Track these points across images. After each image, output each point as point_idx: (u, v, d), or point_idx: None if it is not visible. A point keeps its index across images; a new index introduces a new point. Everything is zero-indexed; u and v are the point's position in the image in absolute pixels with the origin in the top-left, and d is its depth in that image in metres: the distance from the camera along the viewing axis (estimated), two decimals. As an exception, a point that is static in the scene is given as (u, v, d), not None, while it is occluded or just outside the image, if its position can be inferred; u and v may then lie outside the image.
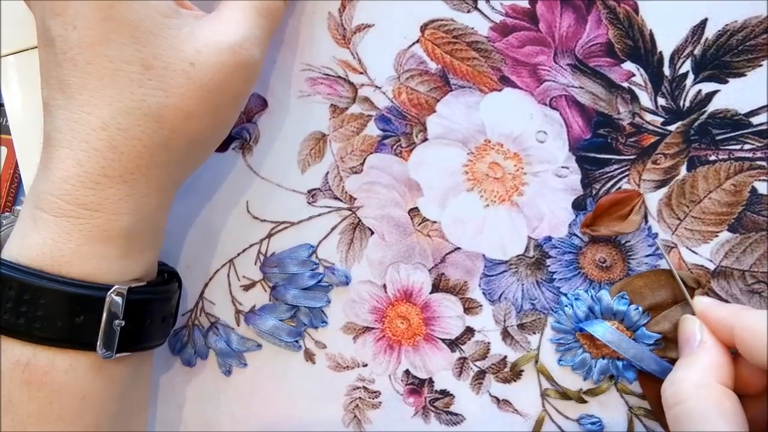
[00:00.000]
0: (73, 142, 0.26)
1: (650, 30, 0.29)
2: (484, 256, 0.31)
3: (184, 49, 0.26)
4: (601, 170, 0.30)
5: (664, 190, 0.30)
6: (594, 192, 0.30)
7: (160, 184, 0.27)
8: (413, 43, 0.31)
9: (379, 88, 0.31)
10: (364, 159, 0.32)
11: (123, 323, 0.27)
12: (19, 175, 0.40)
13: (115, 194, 0.26)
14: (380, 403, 0.32)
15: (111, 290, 0.26)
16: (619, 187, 0.30)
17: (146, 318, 0.28)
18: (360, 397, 0.32)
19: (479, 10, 0.30)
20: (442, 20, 0.31)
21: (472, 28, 0.30)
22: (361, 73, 0.31)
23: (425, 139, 0.31)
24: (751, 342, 0.25)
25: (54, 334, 0.26)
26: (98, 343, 0.26)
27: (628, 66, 0.29)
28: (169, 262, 0.33)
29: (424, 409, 0.32)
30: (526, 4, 0.30)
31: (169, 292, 0.30)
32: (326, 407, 0.33)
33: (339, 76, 0.32)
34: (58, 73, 0.26)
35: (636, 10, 0.29)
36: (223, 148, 0.33)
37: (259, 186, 0.33)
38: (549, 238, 0.31)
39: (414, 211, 0.32)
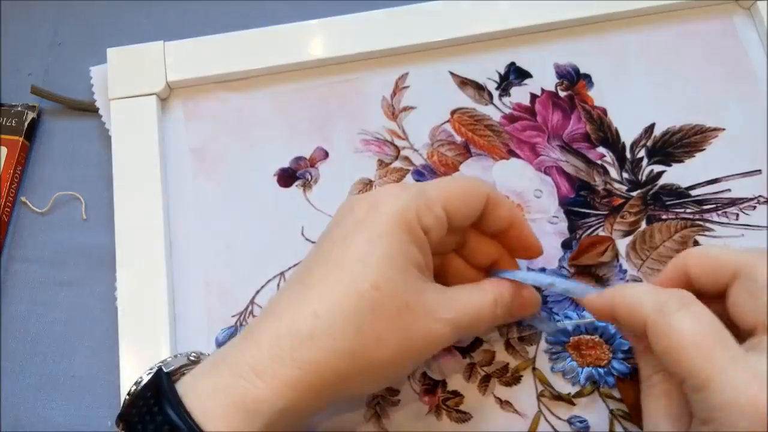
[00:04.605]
0: (284, 320, 0.29)
1: (615, 127, 0.41)
2: (492, 280, 0.39)
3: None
4: (583, 220, 0.40)
5: (630, 238, 0.39)
6: (578, 236, 0.39)
7: (321, 396, 0.29)
8: (444, 122, 0.42)
9: (417, 150, 0.42)
10: (401, 201, 0.41)
11: None
12: (20, 174, 0.43)
13: (288, 375, 0.28)
14: (399, 401, 0.37)
15: None
16: (597, 234, 0.39)
17: None
18: (382, 395, 0.37)
19: (494, 104, 0.42)
20: (467, 108, 0.42)
21: (489, 116, 0.42)
22: (403, 139, 0.42)
23: (450, 189, 0.41)
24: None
25: None
26: None
27: (601, 149, 0.41)
28: (231, 269, 0.39)
29: (437, 408, 0.37)
30: (527, 103, 0.42)
31: None
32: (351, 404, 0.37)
33: (387, 140, 0.42)
34: (313, 269, 0.30)
35: (605, 113, 0.41)
36: (287, 184, 0.41)
37: (314, 215, 0.41)
38: (543, 269, 0.39)
39: (438, 242, 0.40)
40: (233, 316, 0.39)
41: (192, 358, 0.33)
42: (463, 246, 0.35)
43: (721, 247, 0.30)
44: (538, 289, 0.37)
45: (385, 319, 0.29)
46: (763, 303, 0.27)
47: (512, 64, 0.43)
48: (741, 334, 0.28)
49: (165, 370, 0.31)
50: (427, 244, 0.31)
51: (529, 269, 0.39)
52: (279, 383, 0.28)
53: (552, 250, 0.39)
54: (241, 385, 0.28)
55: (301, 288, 0.30)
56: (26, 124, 0.44)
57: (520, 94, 0.42)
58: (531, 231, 0.34)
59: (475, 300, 0.32)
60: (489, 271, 0.36)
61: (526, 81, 0.42)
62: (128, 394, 0.31)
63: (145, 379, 0.31)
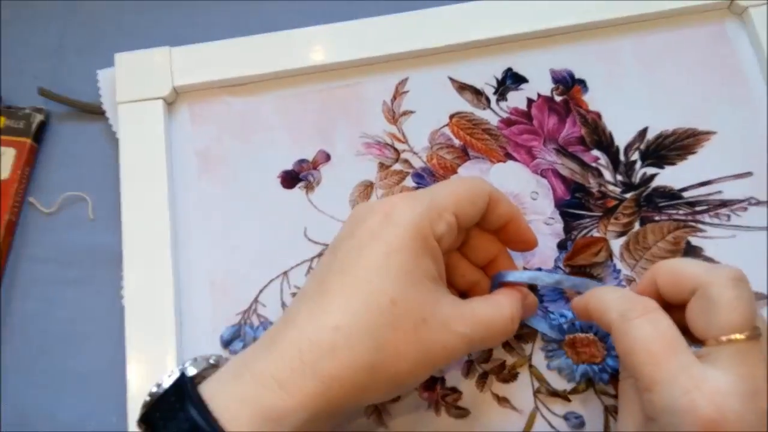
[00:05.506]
0: (305, 331, 0.30)
1: (609, 131, 0.42)
2: (489, 280, 0.40)
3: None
4: (578, 222, 0.41)
5: (623, 238, 0.40)
6: (573, 237, 0.40)
7: (341, 406, 0.29)
8: (443, 126, 0.43)
9: (416, 153, 0.43)
10: (401, 202, 0.42)
11: None
12: (28, 175, 0.44)
13: (311, 387, 0.28)
14: (399, 396, 0.38)
15: None
16: (591, 235, 0.40)
17: None
18: (382, 391, 0.38)
19: (491, 109, 0.43)
20: (465, 113, 0.43)
21: (486, 120, 0.43)
22: (403, 142, 0.43)
23: (448, 191, 0.42)
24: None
25: None
26: None
27: (596, 153, 0.42)
28: (235, 269, 0.40)
29: (437, 403, 0.38)
30: (524, 108, 0.43)
31: None
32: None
33: (387, 144, 0.43)
34: (329, 278, 0.31)
35: (599, 117, 0.42)
36: (290, 186, 0.42)
37: (316, 216, 0.42)
38: (539, 269, 0.40)
39: (437, 243, 0.41)
40: (237, 315, 0.40)
41: (212, 362, 0.33)
42: (463, 244, 0.36)
43: (687, 262, 0.31)
44: (533, 288, 0.38)
45: (403, 333, 0.29)
46: (713, 320, 0.29)
47: (509, 69, 0.44)
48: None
49: (188, 375, 0.31)
50: (440, 253, 0.32)
51: (525, 269, 0.40)
52: (302, 395, 0.28)
53: (548, 251, 0.40)
54: (265, 395, 0.28)
55: (319, 298, 0.30)
56: (34, 126, 0.45)
57: (516, 99, 0.43)
58: (528, 224, 0.36)
59: (491, 315, 0.32)
60: (491, 273, 0.37)
61: (523, 86, 0.43)
62: (149, 395, 0.31)
63: (166, 382, 0.31)
